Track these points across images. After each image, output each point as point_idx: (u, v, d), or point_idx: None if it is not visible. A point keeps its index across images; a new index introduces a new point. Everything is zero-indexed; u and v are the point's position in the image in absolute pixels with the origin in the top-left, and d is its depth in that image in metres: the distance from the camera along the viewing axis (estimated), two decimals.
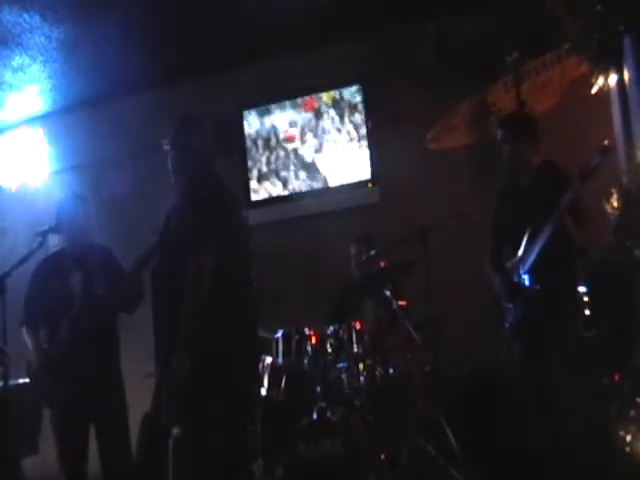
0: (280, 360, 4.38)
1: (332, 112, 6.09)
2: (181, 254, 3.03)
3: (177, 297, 2.99)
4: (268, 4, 5.25)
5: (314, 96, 6.14)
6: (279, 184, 6.22)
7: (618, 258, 3.97)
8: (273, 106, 6.26)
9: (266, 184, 6.25)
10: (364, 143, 5.99)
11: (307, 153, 6.16)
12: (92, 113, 6.57)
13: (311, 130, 6.15)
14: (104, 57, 5.69)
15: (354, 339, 4.34)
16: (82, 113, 6.61)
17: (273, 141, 6.24)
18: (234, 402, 3.09)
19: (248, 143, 6.29)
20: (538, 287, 3.65)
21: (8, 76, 5.91)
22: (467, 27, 5.48)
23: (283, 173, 6.21)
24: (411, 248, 4.52)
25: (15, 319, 3.89)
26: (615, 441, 3.49)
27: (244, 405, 3.28)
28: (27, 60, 5.69)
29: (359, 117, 6.02)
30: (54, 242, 4.38)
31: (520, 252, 3.74)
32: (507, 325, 3.82)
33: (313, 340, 4.39)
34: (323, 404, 4.16)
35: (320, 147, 6.12)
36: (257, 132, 6.28)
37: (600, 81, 4.35)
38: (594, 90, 4.39)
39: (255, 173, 6.28)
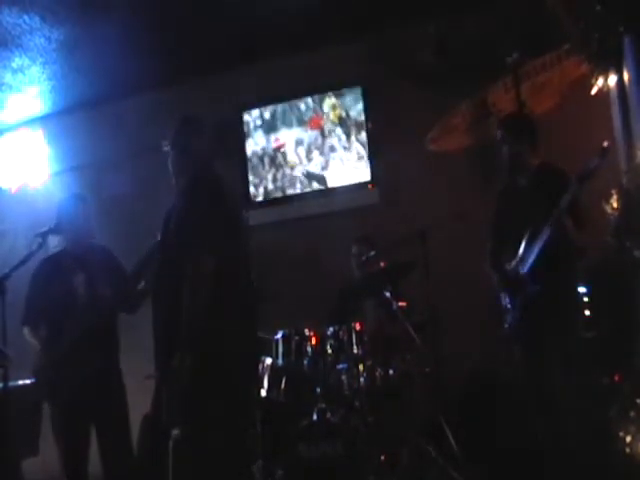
0: (280, 361, 4.38)
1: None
2: (181, 254, 3.03)
3: (177, 297, 2.99)
4: (268, 4, 5.25)
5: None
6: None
7: (618, 259, 3.97)
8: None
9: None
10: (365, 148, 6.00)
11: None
12: (92, 114, 6.57)
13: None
14: (104, 58, 5.68)
15: (354, 340, 4.34)
16: (82, 114, 6.61)
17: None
18: (234, 403, 3.09)
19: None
20: (537, 287, 3.65)
21: (8, 77, 5.90)
22: (467, 27, 5.48)
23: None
24: (411, 249, 4.52)
25: (15, 320, 3.89)
26: (615, 442, 3.49)
27: (244, 406, 3.27)
28: (27, 61, 5.69)
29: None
30: (54, 243, 4.39)
31: (520, 253, 3.74)
32: (507, 326, 3.82)
33: (313, 341, 4.40)
34: (323, 405, 4.16)
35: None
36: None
37: (600, 82, 4.35)
38: (594, 91, 4.39)
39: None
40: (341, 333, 4.36)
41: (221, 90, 6.18)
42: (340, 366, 4.34)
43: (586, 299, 4.10)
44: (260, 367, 4.19)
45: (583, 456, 3.46)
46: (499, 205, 4.04)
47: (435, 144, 5.72)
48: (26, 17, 5.03)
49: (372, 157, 5.96)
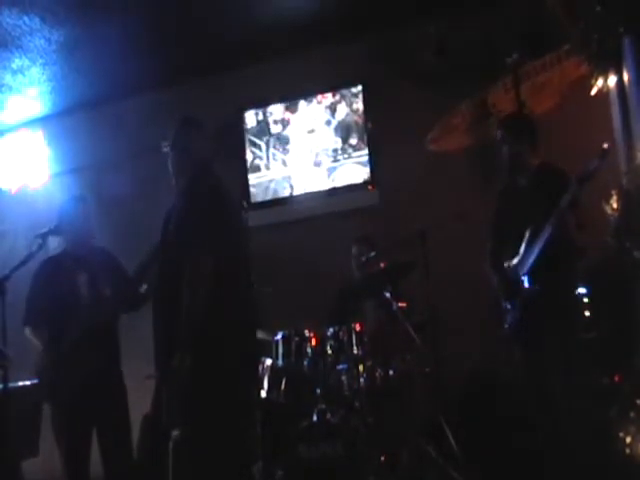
0: (280, 362, 4.38)
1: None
2: (180, 255, 3.03)
3: (177, 298, 2.99)
4: (268, 4, 5.26)
5: None
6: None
7: (618, 259, 3.97)
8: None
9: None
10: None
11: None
12: (92, 115, 6.58)
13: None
14: (104, 59, 5.69)
15: (354, 340, 4.34)
16: (82, 115, 6.61)
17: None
18: (234, 403, 3.09)
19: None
20: (537, 288, 3.65)
21: (8, 78, 5.91)
22: (467, 27, 5.48)
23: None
24: (411, 249, 4.52)
25: (15, 321, 3.89)
26: (615, 442, 3.49)
27: (244, 407, 3.27)
28: (27, 62, 5.69)
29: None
30: (54, 244, 4.39)
31: (520, 253, 3.74)
32: (506, 326, 3.82)
33: (313, 342, 4.40)
34: (323, 406, 4.16)
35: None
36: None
37: (600, 82, 4.34)
38: (594, 91, 4.39)
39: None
40: (341, 334, 4.37)
41: (221, 90, 6.18)
42: (340, 367, 4.34)
43: (586, 300, 4.10)
44: (260, 368, 4.19)
45: (583, 456, 3.46)
46: (499, 205, 4.04)
47: (435, 144, 5.72)
48: (26, 18, 5.04)
49: (372, 157, 5.95)
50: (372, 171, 5.94)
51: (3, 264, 4.12)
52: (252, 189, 6.26)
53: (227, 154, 5.77)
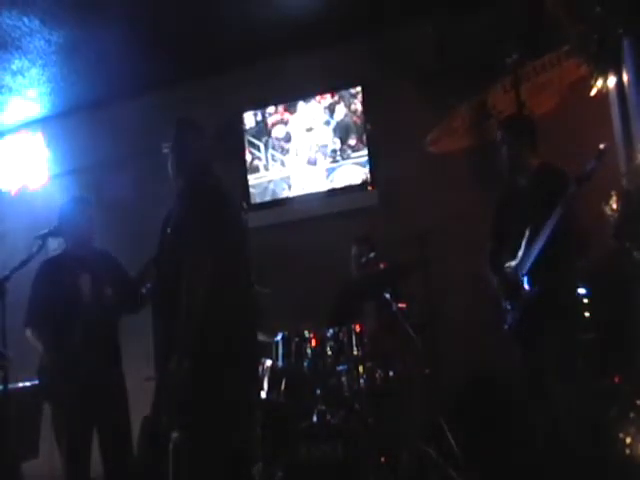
0: (280, 363, 4.38)
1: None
2: (179, 256, 3.03)
3: (176, 299, 2.99)
4: (268, 5, 5.26)
5: None
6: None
7: (618, 260, 3.97)
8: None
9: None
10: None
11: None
12: (91, 116, 6.58)
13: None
14: (103, 60, 5.69)
15: (354, 342, 4.33)
16: (81, 116, 6.61)
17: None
18: (234, 404, 3.09)
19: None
20: (537, 288, 3.65)
21: (7, 80, 5.91)
22: (467, 27, 5.48)
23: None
24: (411, 250, 4.52)
25: (15, 322, 3.89)
26: (615, 443, 3.49)
27: (244, 408, 3.27)
28: (26, 64, 5.70)
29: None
30: (54, 245, 4.39)
31: (520, 253, 3.74)
32: (506, 326, 3.82)
33: (313, 343, 4.39)
34: (323, 407, 4.16)
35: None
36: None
37: (599, 83, 4.34)
38: (593, 92, 4.38)
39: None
40: (341, 335, 4.36)
41: (221, 91, 6.18)
42: (340, 368, 4.33)
43: (586, 300, 4.10)
44: (260, 369, 4.19)
45: (583, 457, 3.46)
46: (498, 206, 4.04)
47: (435, 146, 5.72)
48: (26, 19, 5.04)
49: (372, 158, 5.95)
50: (372, 172, 5.94)
51: (3, 265, 4.13)
52: (251, 190, 6.26)
53: (227, 155, 5.77)
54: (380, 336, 4.62)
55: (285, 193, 6.21)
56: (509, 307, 3.83)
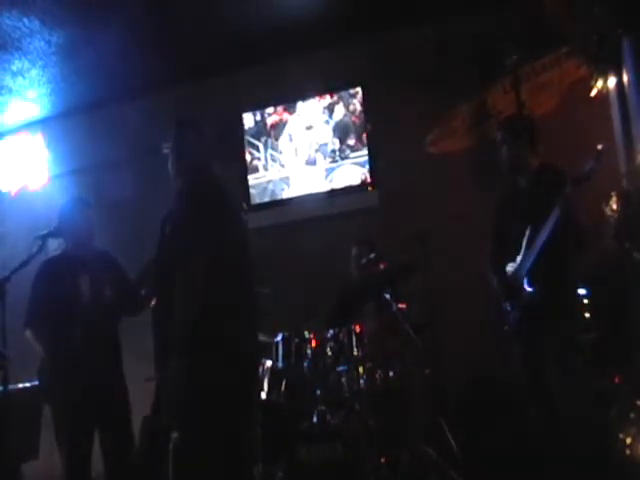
0: (280, 363, 4.38)
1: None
2: (177, 256, 3.02)
3: (174, 299, 2.98)
4: (268, 6, 5.26)
5: None
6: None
7: (617, 260, 3.97)
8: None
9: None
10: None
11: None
12: (91, 117, 6.58)
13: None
14: (103, 61, 5.69)
15: (354, 342, 4.33)
16: (81, 117, 6.62)
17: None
18: (233, 405, 3.08)
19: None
20: (537, 289, 3.65)
21: (7, 80, 5.92)
22: (467, 28, 5.48)
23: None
24: (411, 250, 4.52)
25: (15, 322, 3.89)
26: (615, 443, 3.49)
27: (244, 408, 3.26)
28: (26, 64, 5.70)
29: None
30: (54, 246, 4.39)
31: (520, 254, 3.74)
32: (506, 327, 3.82)
33: (313, 343, 4.40)
34: (323, 407, 4.16)
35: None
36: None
37: (599, 83, 4.35)
38: (593, 92, 4.39)
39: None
40: (341, 335, 4.36)
41: (221, 92, 6.18)
42: (340, 368, 4.33)
43: (586, 300, 4.10)
44: (260, 369, 4.19)
45: (583, 457, 3.46)
46: (499, 207, 4.04)
47: (435, 147, 5.72)
48: (26, 20, 5.04)
49: (372, 158, 5.95)
50: (371, 172, 5.94)
51: (3, 266, 4.12)
52: (250, 190, 6.26)
53: (227, 155, 5.77)
54: (380, 337, 4.62)
55: (284, 193, 6.21)
56: (509, 308, 3.82)
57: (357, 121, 6.02)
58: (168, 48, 5.73)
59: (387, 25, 5.67)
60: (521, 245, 3.72)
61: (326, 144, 6.10)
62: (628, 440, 3.47)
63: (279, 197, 6.22)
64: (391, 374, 4.34)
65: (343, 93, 6.08)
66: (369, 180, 5.95)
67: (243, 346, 3.16)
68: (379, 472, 4.01)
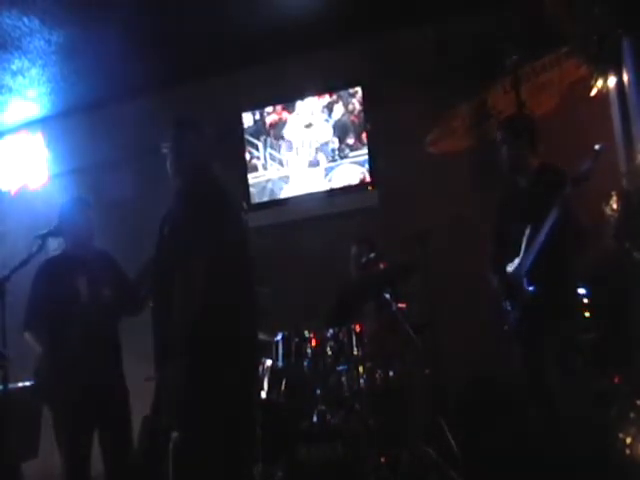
0: (280, 363, 4.38)
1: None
2: (176, 256, 3.02)
3: (173, 299, 2.98)
4: (268, 6, 5.26)
5: None
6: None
7: (617, 260, 3.97)
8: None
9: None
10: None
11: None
12: (91, 116, 6.58)
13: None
14: (103, 60, 5.69)
15: (354, 342, 4.33)
16: (81, 116, 6.61)
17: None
18: (233, 404, 3.08)
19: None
20: (537, 289, 3.65)
21: (7, 80, 5.91)
22: (467, 28, 5.48)
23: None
24: (411, 250, 4.52)
25: (15, 321, 3.89)
26: (615, 443, 3.49)
27: (244, 407, 3.26)
28: (26, 64, 5.70)
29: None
30: (54, 245, 4.38)
31: (520, 254, 3.74)
32: (506, 327, 3.82)
33: (313, 343, 4.39)
34: (323, 407, 4.16)
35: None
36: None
37: (599, 83, 4.35)
38: (593, 92, 4.39)
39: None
40: (341, 335, 4.36)
41: (221, 92, 6.18)
42: (340, 368, 4.33)
43: (586, 300, 4.10)
44: (260, 369, 4.19)
45: (583, 457, 3.46)
46: (499, 206, 4.04)
47: (434, 147, 5.73)
48: (25, 19, 5.04)
49: (372, 158, 5.95)
50: (371, 172, 5.94)
51: (3, 265, 4.12)
52: (250, 189, 6.26)
53: (227, 155, 5.77)
54: (380, 336, 4.61)
55: (283, 193, 6.21)
56: (509, 307, 3.82)
57: (356, 120, 6.02)
58: (168, 48, 5.73)
59: (387, 25, 5.67)
60: (521, 245, 3.72)
61: (327, 143, 6.10)
62: (628, 440, 3.47)
63: (278, 196, 6.22)
64: (391, 374, 4.34)
65: (342, 92, 6.07)
66: (368, 179, 5.95)
67: (243, 346, 3.16)
68: (379, 472, 4.00)
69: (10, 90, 6.11)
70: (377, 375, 4.33)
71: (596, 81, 4.36)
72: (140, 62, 5.73)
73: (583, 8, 4.23)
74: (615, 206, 3.91)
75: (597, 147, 3.46)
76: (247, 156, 6.29)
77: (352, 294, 4.80)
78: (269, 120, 6.28)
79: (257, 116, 6.30)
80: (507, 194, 4.01)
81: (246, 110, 6.32)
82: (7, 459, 4.02)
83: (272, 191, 6.23)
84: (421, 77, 5.62)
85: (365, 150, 5.97)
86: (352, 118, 6.03)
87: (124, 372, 4.13)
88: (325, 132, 6.10)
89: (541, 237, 3.58)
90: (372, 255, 4.69)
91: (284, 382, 4.33)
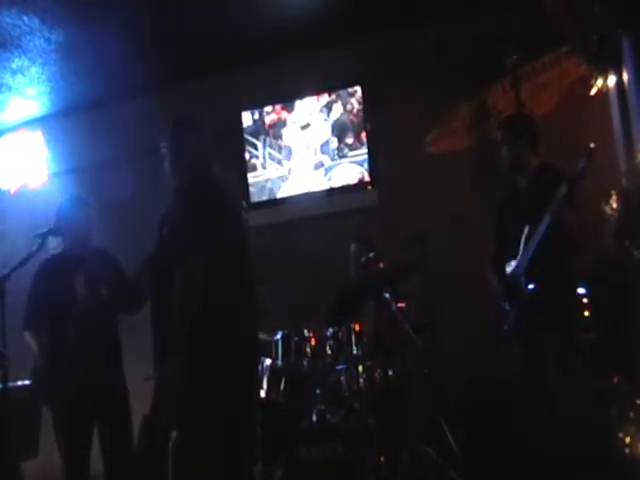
0: (279, 362, 4.37)
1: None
2: (175, 256, 3.02)
3: (172, 298, 2.98)
4: (268, 6, 5.26)
5: None
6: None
7: (617, 259, 3.97)
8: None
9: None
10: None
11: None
12: (91, 115, 6.57)
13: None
14: (103, 59, 5.69)
15: (353, 341, 4.33)
16: (81, 115, 6.61)
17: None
18: (233, 404, 3.08)
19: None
20: (537, 288, 3.65)
21: (7, 78, 5.91)
22: (467, 28, 5.48)
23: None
24: (411, 250, 4.52)
25: (15, 321, 3.89)
26: (615, 443, 3.49)
27: (243, 407, 3.26)
28: (26, 62, 5.69)
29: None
30: (53, 244, 4.38)
31: (519, 253, 3.74)
32: (506, 327, 3.82)
33: (312, 342, 4.39)
34: (322, 406, 4.16)
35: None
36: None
37: (599, 82, 4.36)
38: (593, 91, 4.39)
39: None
40: (340, 334, 4.36)
41: (220, 91, 6.18)
42: (339, 367, 4.33)
43: (586, 300, 4.10)
44: (259, 368, 4.18)
45: (583, 457, 3.46)
46: (499, 206, 4.04)
47: (434, 146, 5.72)
48: (25, 18, 5.04)
49: (371, 158, 5.95)
50: (371, 171, 5.93)
51: (3, 263, 4.12)
52: (249, 188, 6.25)
53: (227, 155, 5.77)
54: (380, 336, 4.61)
55: (283, 192, 6.21)
56: (509, 307, 3.82)
57: (355, 120, 6.02)
58: (168, 48, 5.73)
59: (387, 25, 5.67)
60: (520, 245, 3.73)
61: (324, 141, 6.09)
62: (628, 440, 3.47)
63: (277, 196, 6.22)
64: (390, 373, 4.33)
65: (341, 92, 6.07)
66: (368, 179, 5.94)
67: (243, 346, 3.16)
68: (379, 472, 4.00)
69: (10, 89, 6.11)
70: (376, 374, 4.32)
71: (596, 81, 4.36)
72: (140, 62, 5.73)
73: (583, 8, 4.23)
74: (615, 205, 3.92)
75: (592, 145, 3.46)
76: (246, 155, 6.29)
77: (352, 294, 4.79)
78: (268, 120, 6.27)
79: (256, 116, 6.30)
80: (507, 194, 4.01)
81: (245, 110, 6.32)
82: (7, 459, 4.02)
83: (271, 190, 6.23)
84: (421, 77, 5.62)
85: (364, 150, 5.97)
86: (351, 117, 6.03)
87: (124, 371, 4.13)
88: (324, 132, 6.09)
89: (537, 237, 3.59)
90: (372, 255, 4.68)
91: (283, 381, 4.32)
